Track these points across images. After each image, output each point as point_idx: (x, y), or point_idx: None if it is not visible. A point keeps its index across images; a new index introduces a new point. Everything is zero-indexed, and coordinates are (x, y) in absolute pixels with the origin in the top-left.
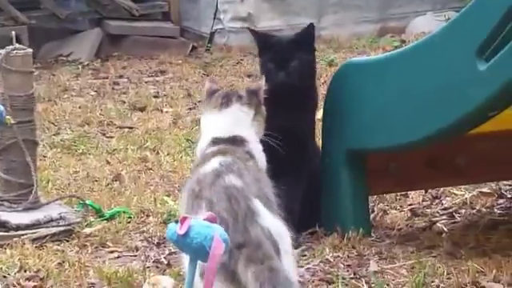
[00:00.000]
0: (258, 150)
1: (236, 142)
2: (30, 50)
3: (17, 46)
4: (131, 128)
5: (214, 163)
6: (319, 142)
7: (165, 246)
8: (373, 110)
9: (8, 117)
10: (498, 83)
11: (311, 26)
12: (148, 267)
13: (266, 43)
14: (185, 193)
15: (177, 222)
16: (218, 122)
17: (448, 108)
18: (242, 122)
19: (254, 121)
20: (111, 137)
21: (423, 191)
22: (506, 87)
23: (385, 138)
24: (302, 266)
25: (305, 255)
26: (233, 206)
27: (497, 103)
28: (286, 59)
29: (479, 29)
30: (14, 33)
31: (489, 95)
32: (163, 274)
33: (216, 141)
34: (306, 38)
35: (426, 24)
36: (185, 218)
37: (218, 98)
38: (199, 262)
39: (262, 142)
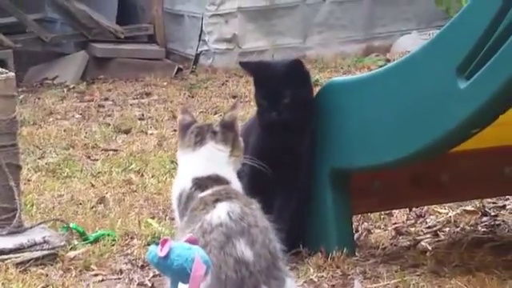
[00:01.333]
0: (240, 189)
1: (220, 181)
2: (13, 74)
3: None
4: (116, 150)
5: (221, 212)
6: None
7: (149, 269)
8: (356, 129)
9: None
10: (478, 101)
11: (298, 63)
12: None
13: (257, 76)
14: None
15: (157, 244)
16: (194, 162)
17: (431, 126)
18: (218, 161)
19: (231, 157)
20: (96, 160)
21: (407, 210)
22: (486, 105)
23: (368, 156)
24: None
25: None
26: None
27: (479, 121)
28: (278, 96)
29: (460, 47)
30: None
31: (470, 113)
32: None
33: (198, 181)
34: (296, 72)
35: (411, 43)
36: (165, 241)
37: (191, 137)
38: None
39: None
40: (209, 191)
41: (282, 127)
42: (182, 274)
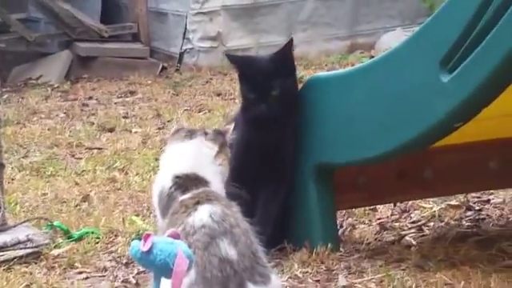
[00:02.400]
0: (221, 190)
1: (200, 182)
2: None
3: None
4: (100, 149)
5: (203, 215)
6: None
7: (133, 266)
8: (339, 124)
9: None
10: (461, 94)
11: (289, 44)
12: (116, 287)
13: (243, 69)
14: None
15: (140, 239)
16: (179, 155)
17: (413, 120)
18: (203, 158)
19: (216, 158)
20: (80, 158)
21: (392, 205)
22: (469, 98)
23: (351, 151)
24: None
25: None
26: None
27: (462, 114)
28: (266, 89)
29: (442, 40)
30: None
31: (453, 107)
32: None
33: (178, 180)
34: (284, 59)
35: (396, 40)
36: (148, 235)
37: (182, 132)
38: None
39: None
40: (189, 194)
41: (270, 121)
42: (165, 268)
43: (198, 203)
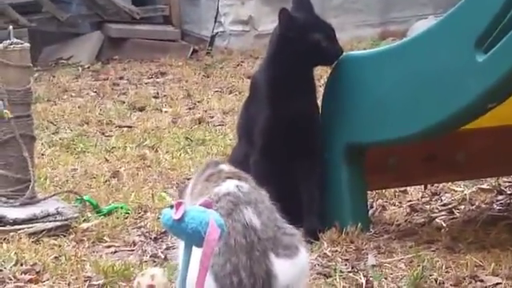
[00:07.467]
0: None
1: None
2: (28, 45)
3: (14, 40)
4: (130, 127)
5: (230, 185)
6: None
7: (162, 241)
8: (371, 104)
9: (6, 110)
10: (496, 74)
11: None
12: (145, 261)
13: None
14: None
15: (172, 207)
16: None
17: (447, 100)
18: None
19: None
20: (110, 136)
21: (422, 188)
22: (504, 78)
23: (383, 131)
24: None
25: None
26: (252, 267)
27: (496, 94)
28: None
29: (478, 20)
30: (11, 27)
31: (488, 86)
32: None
33: None
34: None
35: None
36: (180, 204)
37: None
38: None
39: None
40: (228, 168)
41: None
42: (196, 237)
43: (229, 178)
